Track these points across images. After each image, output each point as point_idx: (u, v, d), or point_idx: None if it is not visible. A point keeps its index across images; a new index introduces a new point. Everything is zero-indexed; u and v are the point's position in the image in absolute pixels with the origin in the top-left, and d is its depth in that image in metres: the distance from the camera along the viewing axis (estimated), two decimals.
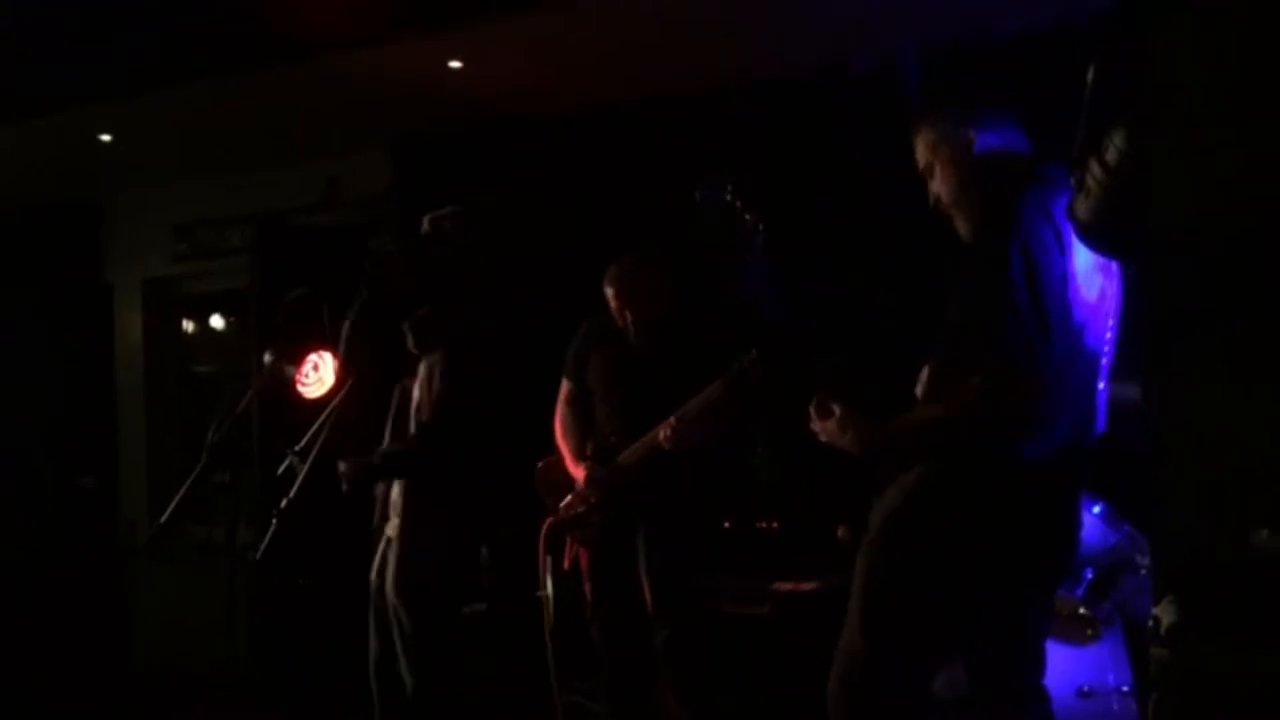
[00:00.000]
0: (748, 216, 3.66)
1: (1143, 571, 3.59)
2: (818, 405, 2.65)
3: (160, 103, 5.57)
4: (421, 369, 4.05)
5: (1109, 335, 2.62)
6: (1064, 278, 2.45)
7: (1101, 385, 2.63)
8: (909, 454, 2.58)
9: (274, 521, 3.20)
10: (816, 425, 2.65)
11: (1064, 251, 2.46)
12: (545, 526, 4.21)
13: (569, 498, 4.18)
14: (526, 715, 4.71)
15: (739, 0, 4.59)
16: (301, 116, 5.80)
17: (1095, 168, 2.00)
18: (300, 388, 5.06)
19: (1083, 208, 2.09)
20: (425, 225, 4.01)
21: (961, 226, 2.72)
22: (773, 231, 5.18)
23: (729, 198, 3.56)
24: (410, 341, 4.02)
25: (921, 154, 2.77)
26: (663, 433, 3.92)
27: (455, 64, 5.09)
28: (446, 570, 3.99)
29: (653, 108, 5.48)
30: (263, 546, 3.20)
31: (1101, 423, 2.64)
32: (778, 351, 3.77)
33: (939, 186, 2.73)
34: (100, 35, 5.10)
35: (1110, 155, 1.97)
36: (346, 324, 3.93)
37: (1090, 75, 1.97)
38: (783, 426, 4.54)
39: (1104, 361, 2.62)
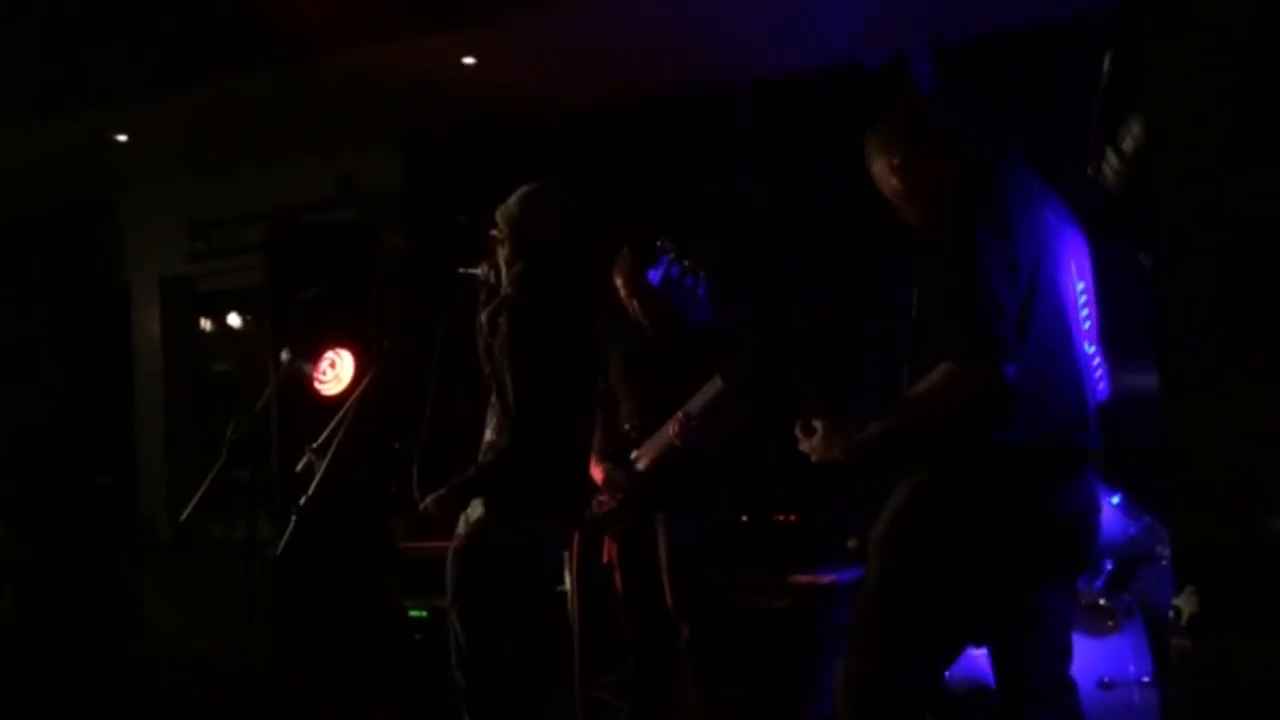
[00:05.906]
0: (685, 264, 3.67)
1: (1163, 562, 3.58)
2: (802, 427, 2.65)
3: (174, 102, 5.58)
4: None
5: (1084, 315, 2.59)
6: (1008, 262, 2.42)
7: (1097, 362, 2.61)
8: (896, 454, 2.58)
9: (293, 518, 3.21)
10: (805, 445, 2.66)
11: (1000, 236, 2.43)
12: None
13: (601, 495, 4.21)
14: (547, 709, 4.71)
15: None
16: (313, 114, 5.82)
17: (1111, 156, 1.99)
18: (318, 385, 5.09)
19: (1100, 196, 2.08)
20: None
21: (913, 222, 2.70)
22: (778, 230, 5.18)
23: (671, 259, 3.57)
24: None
25: (874, 159, 2.73)
26: (672, 429, 3.96)
27: (469, 60, 5.09)
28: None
29: (659, 107, 5.50)
30: (282, 543, 3.22)
31: (1093, 404, 2.62)
32: (776, 344, 3.77)
33: (892, 189, 2.71)
34: (113, 35, 5.11)
35: (1126, 144, 1.97)
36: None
37: (1106, 64, 1.97)
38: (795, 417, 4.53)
39: (1078, 342, 2.59)
